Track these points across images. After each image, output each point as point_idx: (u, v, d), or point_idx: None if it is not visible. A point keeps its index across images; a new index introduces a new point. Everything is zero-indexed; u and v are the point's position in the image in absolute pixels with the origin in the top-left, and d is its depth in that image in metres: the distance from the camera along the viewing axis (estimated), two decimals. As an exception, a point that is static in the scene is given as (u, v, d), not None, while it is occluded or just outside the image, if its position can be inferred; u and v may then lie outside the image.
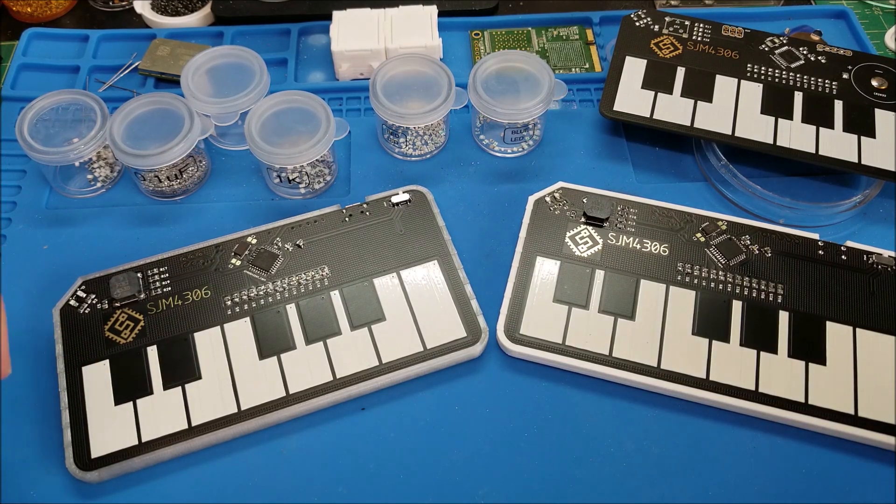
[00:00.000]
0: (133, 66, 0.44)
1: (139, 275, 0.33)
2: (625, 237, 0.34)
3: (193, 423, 0.29)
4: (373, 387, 0.30)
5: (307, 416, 0.30)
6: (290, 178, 0.37)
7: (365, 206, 0.35)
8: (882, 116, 0.38)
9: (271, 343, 0.31)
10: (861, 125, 0.37)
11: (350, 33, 0.43)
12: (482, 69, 0.38)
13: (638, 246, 0.34)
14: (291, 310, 0.32)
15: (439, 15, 0.45)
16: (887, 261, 0.33)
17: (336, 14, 0.44)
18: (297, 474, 0.29)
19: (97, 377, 0.30)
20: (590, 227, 0.35)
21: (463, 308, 0.32)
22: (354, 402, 0.31)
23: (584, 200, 0.35)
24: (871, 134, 0.37)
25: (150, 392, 0.30)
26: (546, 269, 0.33)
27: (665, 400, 0.30)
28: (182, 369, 0.30)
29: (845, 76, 0.40)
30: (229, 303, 0.32)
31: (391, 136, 0.39)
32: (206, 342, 0.31)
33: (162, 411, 0.29)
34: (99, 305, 0.32)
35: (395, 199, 0.35)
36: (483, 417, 0.30)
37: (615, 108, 0.38)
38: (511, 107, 0.36)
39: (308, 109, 0.36)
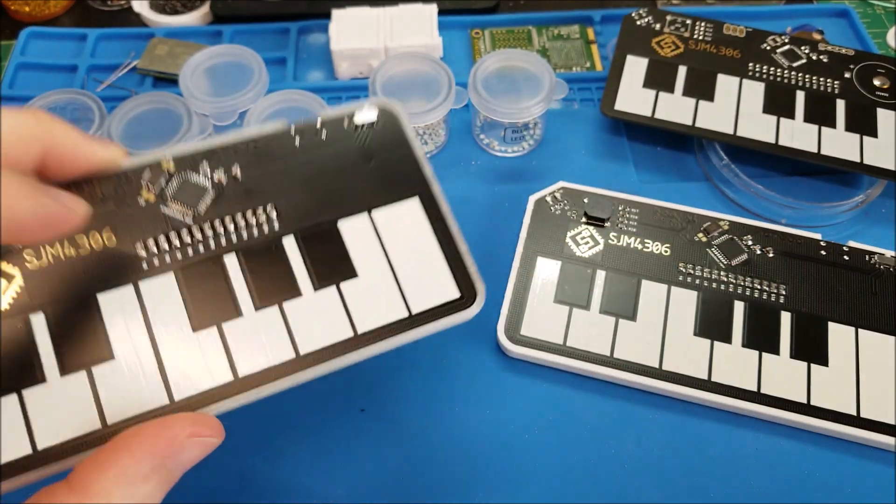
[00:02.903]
0: (131, 65, 0.44)
1: None
2: (626, 237, 0.34)
3: (109, 421, 0.21)
4: (345, 363, 0.24)
5: (302, 415, 0.30)
6: (290, 177, 0.37)
7: (319, 125, 0.26)
8: (884, 116, 0.38)
9: (208, 308, 0.23)
10: (863, 124, 0.37)
11: (349, 32, 0.43)
12: (482, 68, 0.38)
13: (639, 246, 0.34)
14: (231, 262, 0.24)
15: (439, 14, 0.45)
16: (889, 261, 0.33)
17: (335, 13, 0.44)
18: (295, 475, 0.29)
19: None
20: (591, 227, 0.34)
21: (452, 260, 0.25)
22: (353, 403, 0.30)
23: (585, 200, 0.35)
24: (874, 133, 0.37)
25: (42, 379, 0.21)
26: (547, 270, 0.33)
27: (666, 401, 0.30)
28: (84, 346, 0.22)
29: (847, 75, 0.40)
30: (143, 253, 0.23)
31: (391, 136, 0.39)
32: (116, 307, 0.22)
33: (62, 406, 0.21)
34: None
35: (358, 119, 0.27)
36: (483, 418, 0.30)
37: (616, 108, 0.38)
38: (511, 106, 0.36)
39: (307, 109, 0.36)
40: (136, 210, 0.24)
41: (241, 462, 0.29)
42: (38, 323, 0.22)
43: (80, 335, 0.22)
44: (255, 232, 0.24)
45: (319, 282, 0.24)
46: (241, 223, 0.24)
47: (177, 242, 0.24)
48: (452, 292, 0.25)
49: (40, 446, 0.21)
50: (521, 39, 0.47)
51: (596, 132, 0.41)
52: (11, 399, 0.21)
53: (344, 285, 0.24)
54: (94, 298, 0.22)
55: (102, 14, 0.50)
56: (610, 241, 0.34)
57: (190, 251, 0.24)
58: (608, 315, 0.32)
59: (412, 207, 0.26)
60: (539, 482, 0.28)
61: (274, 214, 0.25)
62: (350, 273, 0.24)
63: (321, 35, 0.47)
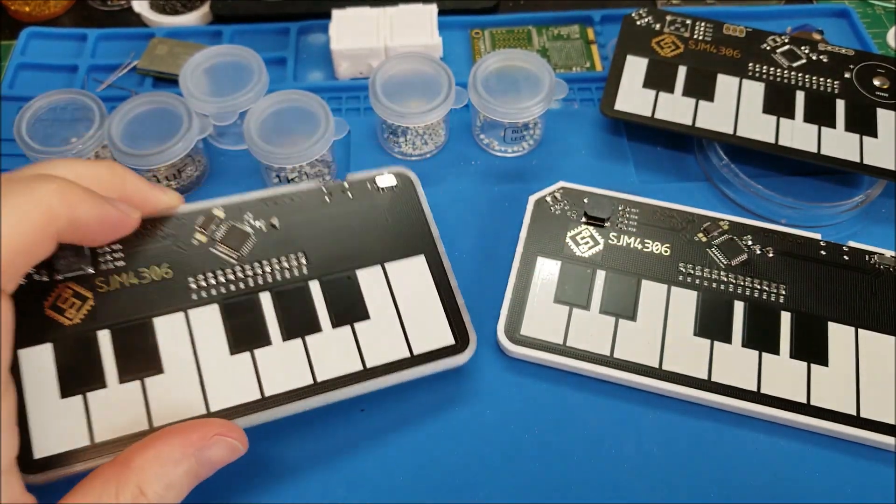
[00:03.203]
0: (131, 65, 0.44)
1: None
2: (626, 237, 0.34)
3: (155, 424, 0.26)
4: (354, 392, 0.28)
5: (303, 414, 0.30)
6: (289, 177, 0.37)
7: (346, 185, 0.31)
8: (884, 116, 0.38)
9: (244, 336, 0.27)
10: (863, 124, 0.37)
11: (349, 32, 0.43)
12: (482, 68, 0.38)
13: (639, 246, 0.34)
14: (266, 299, 0.28)
15: (439, 14, 0.45)
16: (889, 261, 0.33)
17: (335, 13, 0.44)
18: (296, 474, 0.29)
19: (38, 363, 0.26)
20: (591, 227, 0.34)
21: (451, 311, 0.29)
22: (353, 403, 0.30)
23: (585, 200, 0.35)
24: (873, 133, 0.37)
25: (104, 385, 0.26)
26: (547, 270, 0.33)
27: (666, 401, 0.30)
28: (141, 360, 0.26)
29: (847, 75, 0.40)
30: (194, 286, 0.28)
31: (391, 136, 0.39)
32: (168, 330, 0.27)
33: (118, 408, 0.26)
34: (36, 277, 0.27)
35: (380, 183, 0.32)
36: (483, 419, 0.30)
37: (616, 108, 0.38)
38: (511, 106, 0.36)
39: (307, 109, 0.36)
40: (191, 249, 0.29)
41: (240, 461, 0.29)
42: (104, 338, 0.26)
43: (137, 351, 0.26)
44: (287, 275, 0.29)
45: (337, 321, 0.28)
46: (276, 267, 0.29)
47: (222, 279, 0.28)
48: (448, 339, 0.29)
49: (97, 440, 0.25)
50: (521, 39, 0.47)
51: (596, 132, 0.41)
52: (77, 400, 0.25)
53: (358, 325, 0.28)
54: (150, 321, 0.27)
55: (102, 14, 0.50)
56: (610, 241, 0.34)
57: (232, 287, 0.28)
58: (608, 315, 0.32)
59: (419, 263, 0.30)
60: (539, 482, 0.28)
61: (304, 261, 0.29)
62: (363, 315, 0.29)
63: (321, 35, 0.47)
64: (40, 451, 0.25)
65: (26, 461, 0.24)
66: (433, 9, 0.44)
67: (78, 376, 0.26)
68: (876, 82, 0.39)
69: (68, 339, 0.26)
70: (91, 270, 0.27)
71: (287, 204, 0.30)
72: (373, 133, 0.41)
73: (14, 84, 0.44)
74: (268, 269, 0.29)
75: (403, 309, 0.29)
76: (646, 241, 0.34)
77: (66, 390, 0.26)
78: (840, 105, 0.38)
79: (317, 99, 0.36)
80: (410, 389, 0.31)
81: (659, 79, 0.39)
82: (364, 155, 0.40)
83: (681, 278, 0.33)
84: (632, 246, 0.34)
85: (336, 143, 0.37)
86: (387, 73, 0.38)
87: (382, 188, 0.32)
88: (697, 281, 0.33)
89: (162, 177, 0.37)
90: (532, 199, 0.36)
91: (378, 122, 0.39)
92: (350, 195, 0.31)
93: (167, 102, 0.36)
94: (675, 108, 0.38)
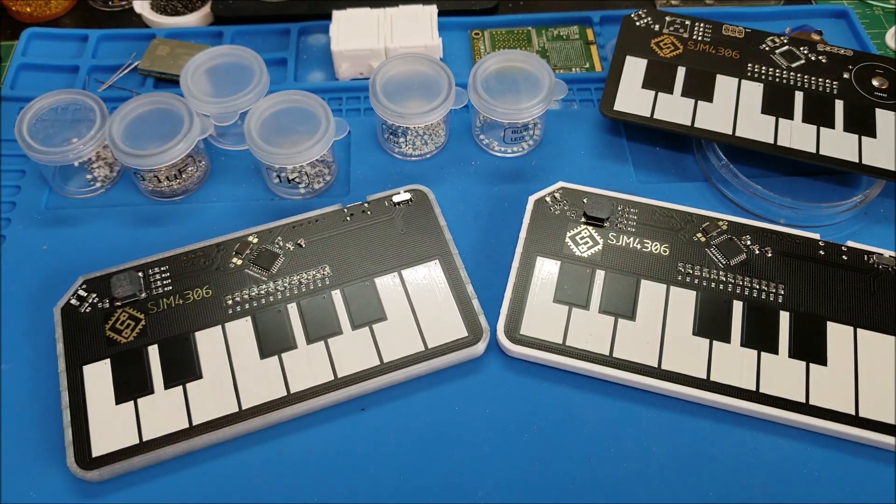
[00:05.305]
0: (132, 65, 0.44)
1: (140, 274, 0.33)
2: (625, 237, 0.34)
3: (194, 423, 0.29)
4: (374, 386, 0.30)
5: (307, 415, 0.30)
6: (290, 177, 0.37)
7: (366, 205, 0.35)
8: (883, 116, 0.38)
9: (272, 342, 0.31)
10: (862, 125, 0.37)
11: (350, 33, 0.43)
12: (482, 69, 0.38)
13: (638, 246, 0.34)
14: (292, 309, 0.32)
15: (439, 14, 0.45)
16: (888, 261, 0.33)
17: (336, 14, 0.44)
18: (297, 474, 0.29)
19: (98, 376, 0.30)
20: (590, 227, 0.35)
21: (464, 307, 0.32)
22: (354, 402, 0.30)
23: (585, 200, 0.35)
24: (872, 134, 0.37)
25: (151, 391, 0.30)
26: (546, 270, 0.33)
27: (665, 400, 0.30)
28: (183, 368, 0.30)
29: (846, 76, 0.40)
30: (230, 302, 0.32)
31: (391, 136, 0.39)
32: (207, 341, 0.31)
33: (163, 410, 0.29)
34: (100, 304, 0.32)
35: (396, 199, 0.35)
36: (483, 418, 0.30)
37: (615, 108, 0.38)
38: (511, 106, 0.36)
39: (308, 109, 0.36)
40: (228, 271, 0.33)
41: (241, 462, 0.29)
42: (153, 352, 0.31)
43: (180, 361, 0.30)
44: (312, 286, 0.32)
45: (357, 324, 0.31)
46: (302, 280, 0.33)
47: (255, 294, 0.32)
48: (462, 332, 0.31)
49: (145, 438, 0.28)
50: (520, 40, 0.47)
51: (595, 132, 0.41)
52: (129, 405, 0.29)
53: (376, 326, 0.31)
54: (192, 335, 0.31)
55: (104, 15, 0.50)
56: (609, 240, 0.34)
57: (263, 301, 0.32)
58: (607, 315, 0.32)
59: (433, 267, 0.33)
60: (538, 481, 0.28)
61: (327, 271, 0.33)
62: (381, 317, 0.32)
63: (322, 36, 0.47)
64: (98, 450, 0.28)
65: (86, 460, 0.28)
66: (433, 10, 0.44)
67: (130, 385, 0.30)
68: (875, 83, 0.39)
69: (123, 354, 0.30)
70: (143, 295, 0.32)
71: (312, 225, 0.34)
72: (373, 133, 0.41)
73: (15, 84, 0.44)
74: (294, 282, 0.32)
75: (419, 309, 0.32)
76: (645, 240, 0.34)
77: (120, 398, 0.29)
78: (839, 105, 0.38)
79: (317, 99, 0.36)
80: (411, 389, 0.31)
81: (658, 79, 0.39)
82: (364, 155, 0.40)
83: (680, 278, 0.33)
84: (631, 246, 0.34)
85: (336, 144, 0.37)
86: (387, 74, 0.38)
87: (397, 203, 0.35)
88: (696, 281, 0.33)
89: (163, 177, 0.37)
90: (532, 199, 0.36)
91: (378, 122, 0.39)
92: (369, 213, 0.35)
93: (168, 103, 0.36)
94: (674, 108, 0.38)
